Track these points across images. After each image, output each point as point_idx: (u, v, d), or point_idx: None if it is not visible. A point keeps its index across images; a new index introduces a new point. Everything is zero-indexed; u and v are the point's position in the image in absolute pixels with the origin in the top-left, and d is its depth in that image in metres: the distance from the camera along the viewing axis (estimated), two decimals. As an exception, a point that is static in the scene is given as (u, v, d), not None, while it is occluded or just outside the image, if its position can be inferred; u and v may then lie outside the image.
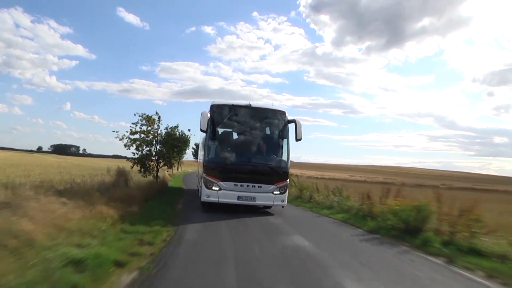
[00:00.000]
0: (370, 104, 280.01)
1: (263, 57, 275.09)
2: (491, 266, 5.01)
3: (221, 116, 9.27)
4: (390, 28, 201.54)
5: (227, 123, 9.54)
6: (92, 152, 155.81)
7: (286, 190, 9.22)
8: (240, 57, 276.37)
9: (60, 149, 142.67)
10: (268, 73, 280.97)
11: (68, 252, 3.93)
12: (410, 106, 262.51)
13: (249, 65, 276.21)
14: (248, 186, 8.67)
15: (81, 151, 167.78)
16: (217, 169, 8.81)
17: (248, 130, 9.41)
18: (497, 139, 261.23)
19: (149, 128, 13.64)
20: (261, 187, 8.74)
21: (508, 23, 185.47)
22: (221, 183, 8.64)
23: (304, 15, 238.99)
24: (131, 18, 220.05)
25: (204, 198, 8.81)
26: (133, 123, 13.40)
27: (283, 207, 9.51)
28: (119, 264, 4.17)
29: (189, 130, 15.70)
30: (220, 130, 9.66)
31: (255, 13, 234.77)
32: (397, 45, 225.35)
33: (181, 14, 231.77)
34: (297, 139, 9.03)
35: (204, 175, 8.89)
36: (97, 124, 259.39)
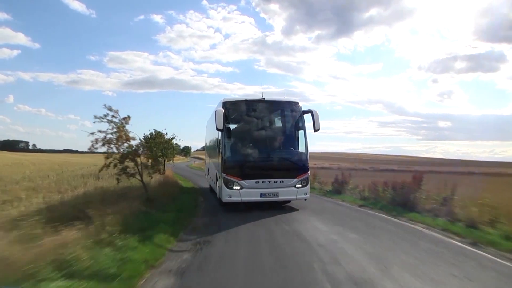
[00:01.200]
0: (321, 92, 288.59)
1: (213, 46, 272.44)
2: (420, 218, 8.00)
3: (235, 112, 9.09)
4: (339, 18, 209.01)
5: (242, 119, 9.28)
6: (42, 147, 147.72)
7: (308, 182, 9.08)
8: (190, 46, 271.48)
9: (8, 145, 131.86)
10: (218, 62, 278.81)
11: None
12: (360, 94, 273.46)
13: (199, 54, 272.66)
14: (270, 182, 8.53)
15: (30, 147, 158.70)
16: (236, 167, 8.62)
17: (264, 124, 9.25)
18: (442, 124, 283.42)
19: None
20: (283, 181, 8.61)
21: (447, 15, 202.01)
22: (242, 181, 8.46)
23: (254, 4, 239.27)
24: (76, 5, 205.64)
25: (226, 199, 8.59)
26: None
27: (305, 199, 9.27)
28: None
29: (174, 138, 16.61)
30: (235, 127, 9.45)
31: (204, 2, 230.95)
32: (346, 34, 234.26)
33: (129, 2, 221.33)
34: (315, 129, 8.80)
35: (224, 174, 8.64)
36: (44, 118, 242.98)
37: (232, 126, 9.26)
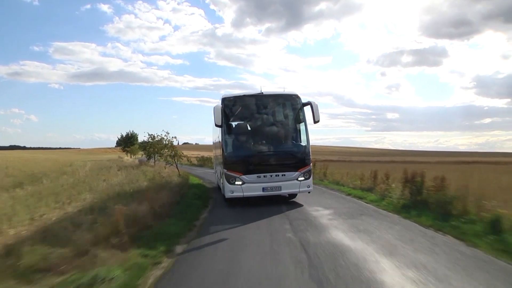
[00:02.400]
0: (271, 84, 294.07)
1: (163, 38, 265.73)
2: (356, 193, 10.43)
3: (234, 108, 9.03)
4: (289, 11, 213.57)
5: (241, 115, 9.29)
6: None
7: (311, 175, 9.02)
8: (139, 38, 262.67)
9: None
10: (168, 55, 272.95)
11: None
12: (310, 86, 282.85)
13: (148, 46, 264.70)
14: (271, 176, 8.48)
15: None
16: (237, 163, 8.62)
17: (264, 118, 9.19)
18: (390, 115, 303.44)
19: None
20: (284, 175, 8.54)
21: (394, 11, 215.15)
22: (244, 176, 8.43)
23: None
24: None
25: (228, 194, 8.64)
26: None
27: (309, 192, 9.21)
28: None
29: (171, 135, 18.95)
30: (235, 123, 9.52)
31: None
32: (296, 27, 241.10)
33: None
34: (315, 121, 8.77)
35: (225, 170, 8.66)
36: None
37: (232, 122, 9.36)
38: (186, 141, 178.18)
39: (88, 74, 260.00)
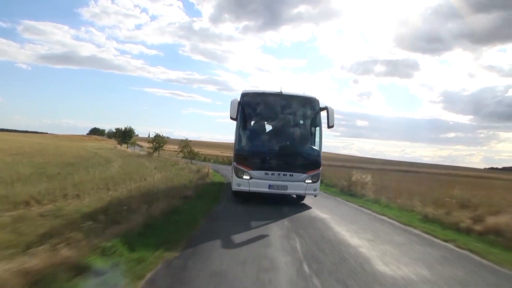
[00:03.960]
0: (244, 82, 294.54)
1: (138, 27, 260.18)
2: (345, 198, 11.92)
3: (252, 104, 9.16)
4: (268, 11, 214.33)
5: (258, 112, 9.36)
6: None
7: (319, 178, 9.04)
8: (114, 24, 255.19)
9: None
10: (143, 44, 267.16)
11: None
12: (283, 87, 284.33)
13: (123, 34, 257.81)
14: (279, 174, 8.56)
15: None
16: (247, 158, 8.77)
17: (279, 118, 9.33)
18: (359, 122, 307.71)
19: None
20: (292, 175, 8.59)
21: (371, 20, 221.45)
22: (252, 171, 8.53)
23: None
24: None
25: (235, 187, 8.82)
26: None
27: (315, 196, 9.25)
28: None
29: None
30: (251, 119, 9.56)
31: None
32: (273, 27, 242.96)
33: None
34: (329, 126, 8.97)
35: (235, 163, 8.93)
36: None
37: (248, 118, 9.36)
38: (157, 133, 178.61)
39: (59, 57, 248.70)
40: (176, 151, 28.32)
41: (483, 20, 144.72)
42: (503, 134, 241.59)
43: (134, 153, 35.37)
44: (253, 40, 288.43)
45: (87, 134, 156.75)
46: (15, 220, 5.09)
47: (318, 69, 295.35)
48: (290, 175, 8.62)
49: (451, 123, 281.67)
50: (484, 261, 4.74)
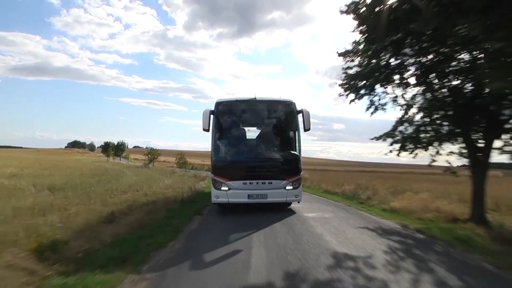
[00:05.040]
0: (220, 89, 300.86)
1: (112, 36, 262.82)
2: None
3: (226, 113, 9.09)
4: (242, 17, 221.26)
5: (233, 120, 9.28)
6: None
7: (300, 184, 8.86)
8: (88, 34, 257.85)
9: None
10: (117, 53, 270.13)
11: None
12: (259, 93, 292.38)
13: (97, 43, 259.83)
14: (258, 183, 8.44)
15: None
16: (224, 168, 8.66)
17: (255, 124, 9.36)
18: (336, 126, 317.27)
19: None
20: (271, 183, 8.47)
21: (343, 25, 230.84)
22: (230, 182, 8.41)
23: None
24: None
25: (213, 200, 8.61)
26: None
27: (298, 202, 9.10)
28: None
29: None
30: (226, 128, 9.25)
31: None
32: (247, 34, 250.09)
33: None
34: (305, 129, 8.72)
35: (212, 175, 8.75)
36: None
37: (223, 127, 9.10)
38: (136, 144, 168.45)
39: (31, 68, 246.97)
40: (164, 161, 32.65)
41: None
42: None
43: (131, 165, 39.86)
44: (228, 47, 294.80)
45: (66, 147, 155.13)
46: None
47: (293, 75, 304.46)
48: (269, 183, 8.48)
49: None
50: (356, 210, 10.05)
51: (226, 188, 8.41)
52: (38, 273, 3.77)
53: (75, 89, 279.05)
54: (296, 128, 8.94)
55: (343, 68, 8.67)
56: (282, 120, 9.18)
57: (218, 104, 8.96)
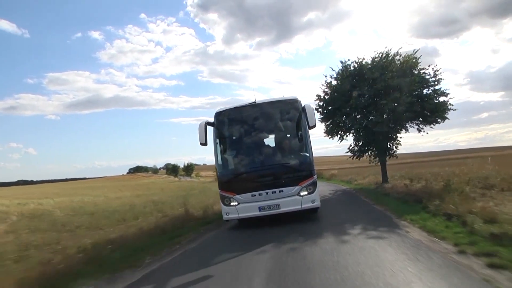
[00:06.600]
0: (267, 98, 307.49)
1: (155, 60, 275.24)
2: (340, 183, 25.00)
3: (226, 123, 8.47)
4: (278, 23, 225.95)
5: (234, 129, 8.58)
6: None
7: (316, 188, 7.87)
8: (132, 62, 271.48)
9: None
10: (162, 76, 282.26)
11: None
12: (305, 97, 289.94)
13: (142, 70, 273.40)
14: (267, 193, 7.69)
15: None
16: (229, 182, 8.03)
17: (258, 130, 8.42)
18: None
19: None
20: (282, 191, 7.67)
21: (382, 15, 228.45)
22: (237, 196, 7.78)
23: (192, 14, 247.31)
24: (5, 25, 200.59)
25: (224, 217, 8.05)
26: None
27: (316, 209, 8.28)
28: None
29: None
30: (227, 139, 8.57)
31: (142, 15, 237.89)
32: (286, 39, 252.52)
33: (64, 19, 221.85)
34: (310, 127, 7.98)
35: (219, 191, 8.14)
36: None
37: (225, 138, 8.52)
38: (190, 162, 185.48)
39: (84, 102, 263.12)
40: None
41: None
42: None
43: (204, 181, 51.44)
44: (269, 55, 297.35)
45: (127, 172, 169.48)
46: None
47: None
48: (280, 191, 7.71)
49: (481, 103, 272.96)
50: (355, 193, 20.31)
51: (235, 203, 7.85)
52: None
53: (127, 116, 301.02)
54: (304, 127, 8.12)
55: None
56: (287, 120, 8.54)
57: (217, 114, 8.47)
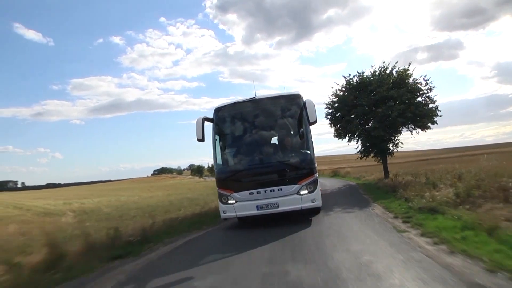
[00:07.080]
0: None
1: (176, 63, 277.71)
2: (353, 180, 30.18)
3: (225, 119, 8.36)
4: (298, 22, 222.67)
5: (233, 125, 8.50)
6: (29, 184, 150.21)
7: (316, 187, 7.69)
8: (153, 65, 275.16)
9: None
10: (183, 78, 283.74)
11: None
12: (327, 94, 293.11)
13: (163, 72, 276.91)
14: (266, 191, 7.52)
15: (19, 185, 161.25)
16: (227, 179, 7.90)
17: (258, 126, 8.22)
18: None
19: None
20: (281, 189, 7.49)
21: (403, 9, 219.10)
22: (235, 194, 7.66)
23: (211, 16, 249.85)
24: (32, 35, 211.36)
25: (222, 215, 7.94)
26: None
27: (318, 210, 8.32)
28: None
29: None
30: (225, 135, 8.46)
31: (162, 19, 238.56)
32: (306, 37, 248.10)
33: (85, 26, 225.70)
34: (310, 123, 7.66)
35: (217, 188, 8.04)
36: (11, 155, 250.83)
37: (224, 134, 8.42)
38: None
39: (107, 107, 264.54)
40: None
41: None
42: None
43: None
44: (289, 53, 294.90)
45: (152, 174, 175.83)
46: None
47: (359, 70, 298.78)
48: (278, 189, 7.52)
49: (510, 96, 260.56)
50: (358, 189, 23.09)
51: (233, 201, 7.70)
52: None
53: (149, 119, 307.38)
54: (306, 123, 7.82)
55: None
56: (287, 116, 8.35)
57: (216, 110, 8.31)
